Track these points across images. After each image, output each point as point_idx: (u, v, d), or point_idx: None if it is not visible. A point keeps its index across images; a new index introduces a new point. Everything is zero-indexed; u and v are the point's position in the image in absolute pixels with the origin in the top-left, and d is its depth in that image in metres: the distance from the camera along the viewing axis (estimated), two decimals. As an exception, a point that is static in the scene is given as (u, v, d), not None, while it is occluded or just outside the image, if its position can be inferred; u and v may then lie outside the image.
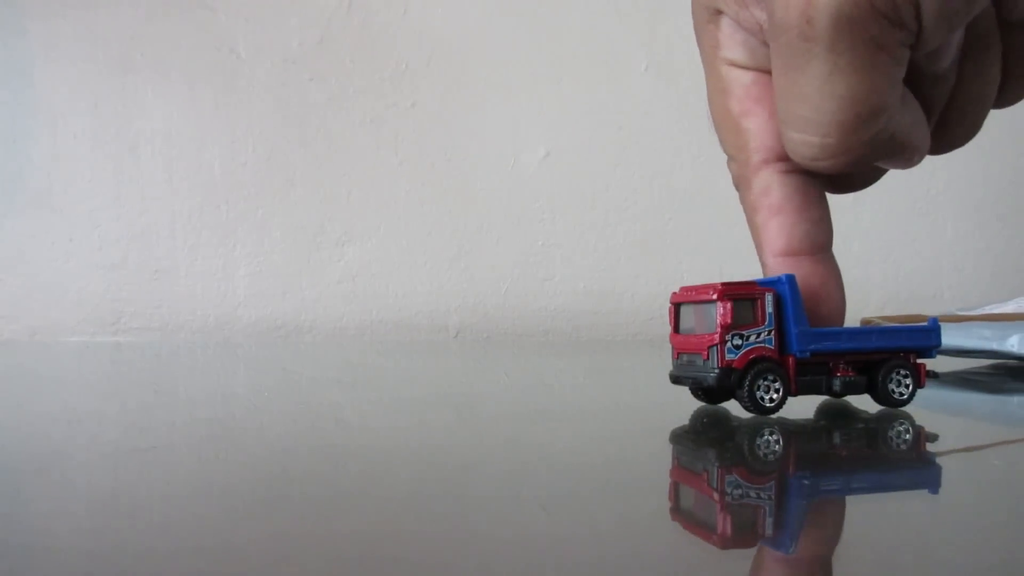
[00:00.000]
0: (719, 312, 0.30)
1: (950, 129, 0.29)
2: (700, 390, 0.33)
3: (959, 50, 0.27)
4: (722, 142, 0.31)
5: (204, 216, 0.89)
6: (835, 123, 0.25)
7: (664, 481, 0.24)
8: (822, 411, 0.33)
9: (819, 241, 0.30)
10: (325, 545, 0.17)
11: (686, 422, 0.31)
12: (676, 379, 0.33)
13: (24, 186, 0.87)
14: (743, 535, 0.18)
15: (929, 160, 1.00)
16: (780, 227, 0.30)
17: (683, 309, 0.33)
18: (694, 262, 0.90)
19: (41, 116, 0.87)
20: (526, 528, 0.18)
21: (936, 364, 0.50)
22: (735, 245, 0.93)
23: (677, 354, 0.33)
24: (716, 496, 0.22)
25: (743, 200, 0.31)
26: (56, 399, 0.43)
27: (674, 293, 0.33)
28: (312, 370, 0.59)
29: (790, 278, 0.30)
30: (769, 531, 0.19)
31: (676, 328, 0.33)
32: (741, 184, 0.31)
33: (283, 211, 0.89)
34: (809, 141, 0.26)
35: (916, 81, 0.27)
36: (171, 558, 0.16)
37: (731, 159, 0.31)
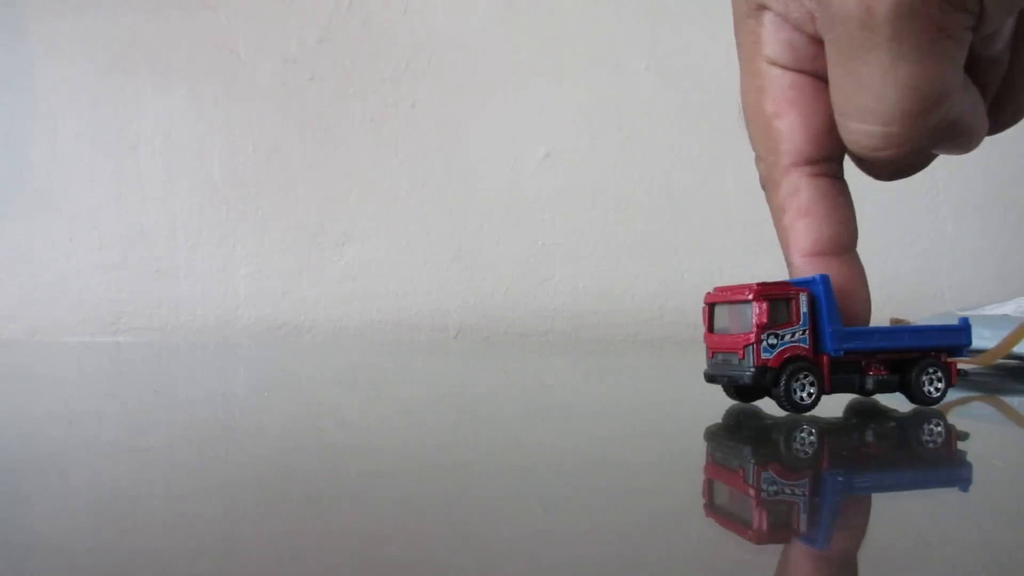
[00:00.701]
0: (755, 312, 0.31)
1: (1005, 109, 0.29)
2: (734, 389, 0.34)
3: (1012, 33, 0.27)
4: (752, 140, 0.31)
5: (204, 216, 0.89)
6: (899, 112, 0.25)
7: (690, 478, 0.24)
8: (851, 410, 0.33)
9: (845, 242, 0.31)
10: (325, 545, 0.17)
11: (689, 421, 0.31)
12: (711, 378, 0.33)
13: (24, 186, 0.87)
14: (777, 531, 0.19)
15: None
16: (808, 228, 0.30)
17: (717, 309, 0.33)
18: (694, 262, 0.90)
19: (41, 116, 0.87)
20: (528, 528, 0.18)
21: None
22: (734, 245, 0.93)
23: (712, 353, 0.33)
24: (752, 492, 0.22)
25: (770, 200, 0.31)
26: (56, 399, 0.43)
27: (708, 293, 0.34)
28: (312, 370, 0.59)
29: (824, 278, 0.30)
30: (804, 527, 0.19)
31: (710, 328, 0.33)
32: (769, 184, 0.31)
33: (283, 211, 0.89)
34: (871, 131, 0.26)
35: (973, 65, 0.27)
36: (171, 558, 0.16)
37: (759, 158, 0.31)
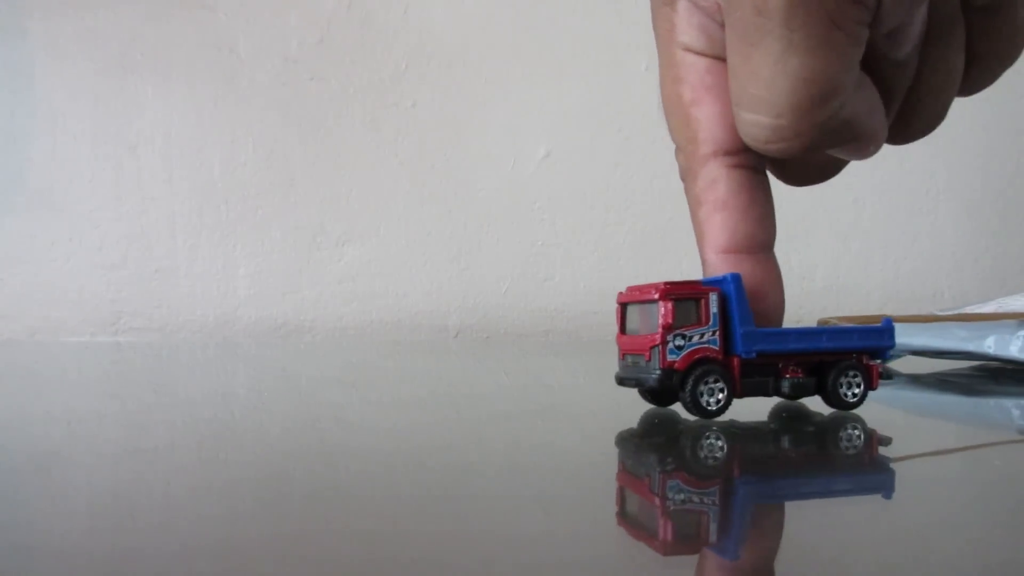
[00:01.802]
0: (660, 312, 0.30)
1: (912, 118, 0.28)
2: (647, 392, 0.32)
3: (921, 36, 0.26)
4: (671, 131, 0.30)
5: (204, 216, 0.89)
6: (788, 103, 0.24)
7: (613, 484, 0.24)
8: (775, 414, 0.32)
9: (761, 240, 0.29)
10: (325, 545, 0.17)
11: (687, 421, 0.31)
12: (621, 380, 0.32)
13: (24, 186, 0.87)
14: (687, 541, 0.18)
15: (929, 159, 1.01)
16: (723, 223, 0.29)
17: (629, 309, 0.32)
18: (694, 262, 0.90)
19: (41, 116, 0.87)
20: (526, 528, 0.18)
21: (915, 365, 0.50)
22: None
23: (623, 355, 0.32)
24: (659, 501, 0.21)
25: (688, 192, 0.30)
26: (56, 399, 0.43)
27: (620, 293, 0.32)
28: (312, 370, 0.59)
29: (736, 277, 0.29)
30: (713, 537, 0.18)
31: (622, 329, 0.32)
32: (687, 176, 0.30)
33: (283, 211, 0.89)
34: (761, 122, 0.25)
35: (876, 66, 0.26)
36: (171, 558, 0.16)
37: (679, 149, 0.30)
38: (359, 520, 0.19)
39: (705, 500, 0.21)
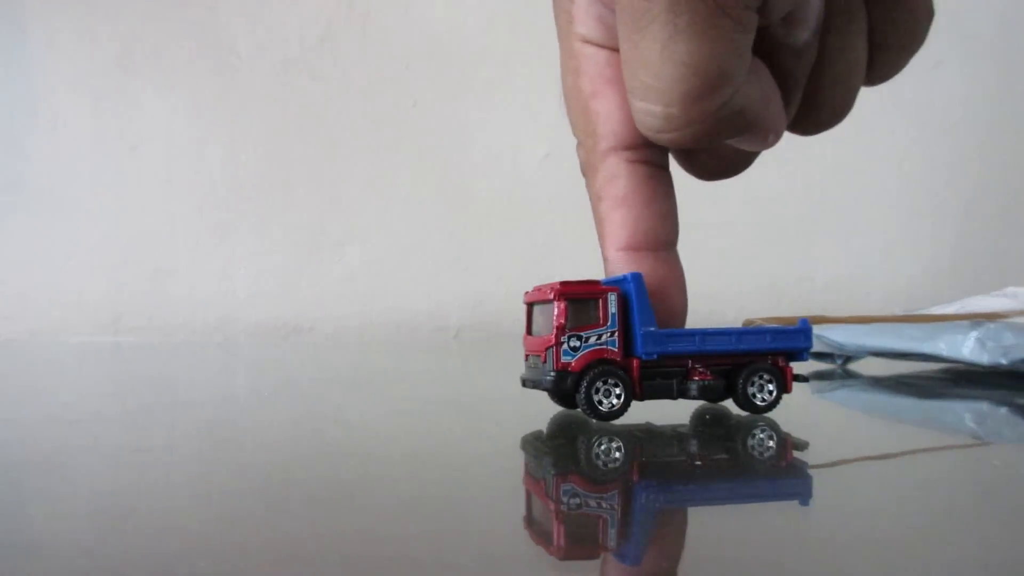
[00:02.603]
0: (555, 312, 0.29)
1: (817, 108, 0.27)
2: (551, 394, 0.31)
3: (819, 22, 0.25)
4: (572, 125, 0.29)
5: (204, 216, 0.89)
6: (677, 91, 0.23)
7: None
8: (697, 417, 0.32)
9: (663, 238, 0.29)
10: (325, 545, 0.17)
11: (684, 421, 0.31)
12: (524, 382, 0.31)
13: (24, 186, 0.87)
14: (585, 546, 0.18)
15: (929, 159, 1.00)
16: (624, 220, 0.28)
17: (535, 309, 0.31)
18: (693, 262, 0.90)
19: (41, 116, 0.87)
20: (525, 527, 0.18)
21: (879, 367, 0.49)
22: (734, 245, 0.93)
23: (527, 356, 0.31)
24: (553, 505, 0.20)
25: (588, 188, 0.29)
26: (56, 399, 0.43)
27: (527, 292, 0.31)
28: (312, 370, 0.59)
29: (636, 276, 0.28)
30: (613, 542, 0.18)
31: (529, 329, 0.32)
32: (588, 170, 0.29)
33: (283, 211, 0.89)
34: (652, 111, 0.24)
35: (772, 53, 0.25)
36: (171, 558, 0.16)
37: (579, 144, 0.29)
38: (359, 520, 0.19)
39: (604, 504, 0.20)
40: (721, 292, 0.91)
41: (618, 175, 0.28)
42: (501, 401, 0.40)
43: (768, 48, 0.25)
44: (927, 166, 0.96)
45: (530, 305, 0.31)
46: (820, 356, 0.52)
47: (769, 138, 0.26)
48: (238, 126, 0.89)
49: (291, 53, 0.89)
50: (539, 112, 0.91)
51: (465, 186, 0.91)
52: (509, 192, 0.91)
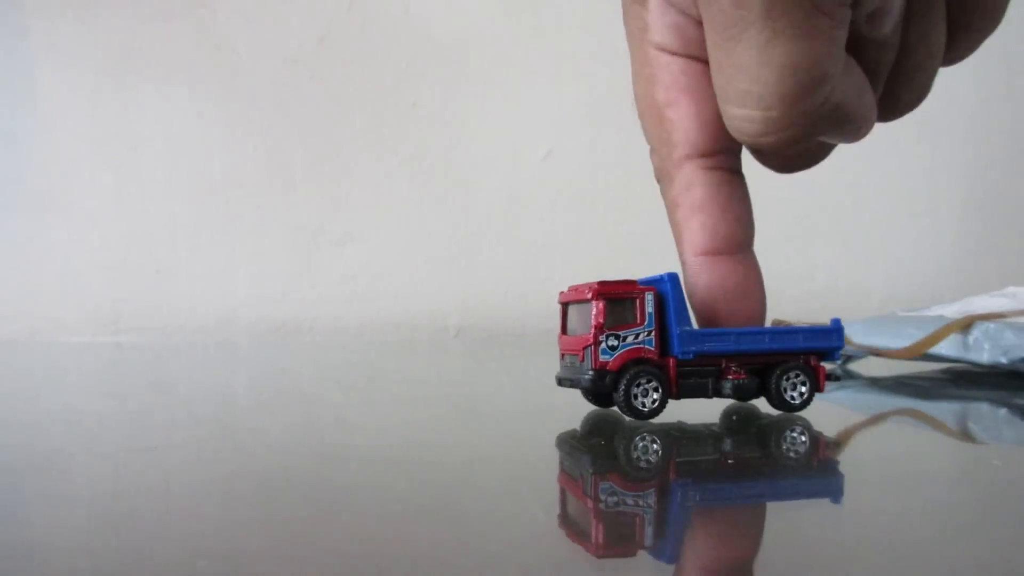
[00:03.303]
0: (593, 312, 0.29)
1: (897, 96, 0.27)
2: (586, 393, 0.31)
3: (902, 12, 0.25)
4: (645, 132, 0.30)
5: (204, 216, 0.89)
6: (777, 94, 0.23)
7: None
8: (727, 415, 0.32)
9: (740, 240, 0.29)
10: (325, 545, 0.17)
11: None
12: (560, 381, 0.31)
13: (24, 186, 0.87)
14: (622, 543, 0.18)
15: (929, 159, 1.00)
16: (702, 225, 0.29)
17: (570, 309, 0.31)
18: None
19: (41, 116, 0.87)
20: (523, 528, 0.18)
21: (879, 367, 0.49)
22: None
23: (562, 355, 0.31)
24: (591, 504, 0.20)
25: (664, 195, 0.30)
26: (56, 399, 0.43)
27: (562, 292, 0.32)
28: (312, 370, 0.59)
29: (672, 276, 0.29)
30: (649, 540, 0.18)
31: (564, 329, 0.32)
32: (663, 178, 0.29)
33: (283, 211, 0.89)
34: (751, 116, 0.24)
35: (859, 48, 0.25)
36: (171, 558, 0.16)
37: (653, 151, 0.30)
38: (358, 520, 0.19)
39: (640, 503, 0.20)
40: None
41: (694, 182, 0.29)
42: (501, 401, 0.40)
43: (855, 42, 0.25)
44: (927, 166, 0.96)
45: (565, 305, 0.32)
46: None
47: (861, 130, 0.26)
48: (238, 126, 0.89)
49: (291, 53, 0.89)
50: (539, 112, 0.91)
51: (465, 186, 0.91)
52: (509, 192, 0.91)
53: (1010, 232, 0.98)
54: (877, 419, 0.36)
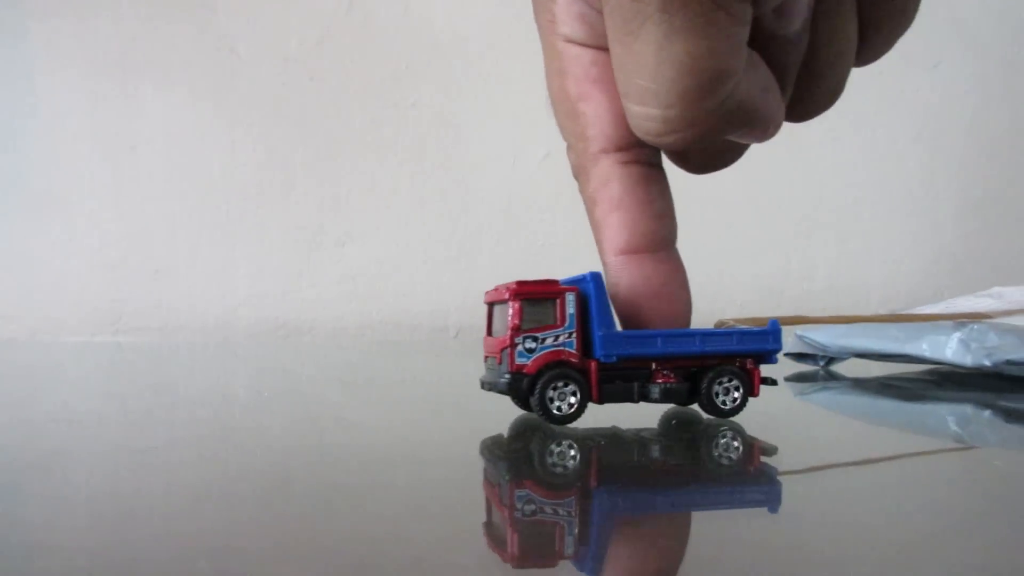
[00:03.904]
0: (509, 313, 0.28)
1: (810, 94, 0.26)
2: (513, 397, 0.30)
3: (811, 9, 0.24)
4: (560, 128, 0.29)
5: (204, 216, 0.89)
6: (676, 92, 0.22)
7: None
8: (666, 420, 0.31)
9: (662, 238, 0.28)
10: (325, 545, 0.17)
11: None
12: (482, 384, 0.30)
13: (24, 186, 0.87)
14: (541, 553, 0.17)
15: (929, 159, 1.00)
16: (621, 223, 0.28)
17: (495, 310, 0.30)
18: (694, 262, 0.90)
19: (41, 116, 0.87)
20: (522, 527, 0.18)
21: (862, 368, 0.49)
22: (734, 245, 0.93)
23: (485, 357, 0.30)
24: (508, 512, 0.20)
25: (582, 192, 0.29)
26: (56, 399, 0.43)
27: (487, 292, 0.30)
28: (312, 370, 0.59)
29: (595, 276, 0.28)
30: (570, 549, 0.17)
31: (489, 330, 0.30)
32: (580, 174, 0.28)
33: (283, 211, 0.89)
34: (651, 114, 0.23)
35: (766, 44, 0.24)
36: (171, 558, 0.16)
37: (569, 147, 0.29)
38: (359, 520, 0.19)
39: (560, 511, 0.20)
40: (721, 292, 0.91)
41: (611, 178, 0.28)
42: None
43: (761, 39, 0.24)
44: (927, 166, 0.96)
45: (490, 305, 0.30)
46: (803, 357, 0.52)
47: (769, 130, 0.25)
48: (238, 126, 0.89)
49: (291, 53, 0.89)
50: (539, 112, 0.91)
51: (465, 186, 0.91)
52: (509, 192, 0.91)
53: (1009, 232, 0.98)
54: (857, 421, 0.35)
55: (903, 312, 0.54)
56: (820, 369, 0.50)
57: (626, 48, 0.22)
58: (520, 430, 0.30)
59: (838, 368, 0.50)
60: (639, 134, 0.25)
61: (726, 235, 0.91)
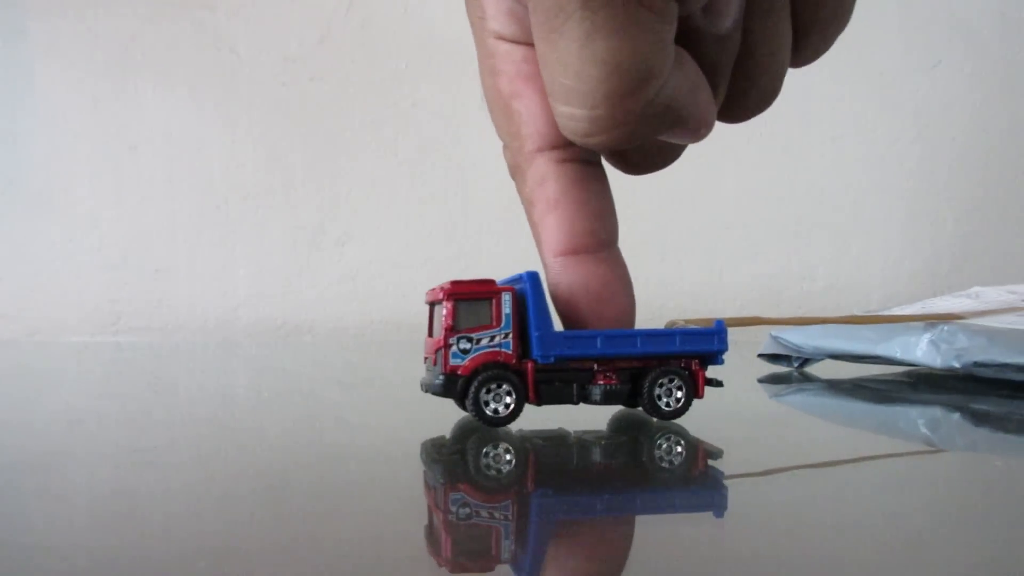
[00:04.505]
0: (444, 313, 0.28)
1: (743, 94, 0.25)
2: (452, 399, 0.30)
3: (742, 8, 0.24)
4: (496, 127, 0.28)
5: (204, 216, 0.89)
6: (601, 92, 0.22)
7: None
8: (616, 422, 0.30)
9: (602, 238, 0.27)
10: (325, 545, 0.17)
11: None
12: (422, 386, 0.30)
13: (24, 186, 0.87)
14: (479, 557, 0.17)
15: (929, 159, 1.00)
16: (558, 223, 0.27)
17: (434, 310, 0.30)
18: (694, 262, 0.90)
19: (41, 116, 0.87)
20: (520, 529, 0.18)
21: (839, 370, 0.48)
22: (734, 245, 0.93)
23: (425, 358, 0.30)
24: (442, 515, 0.20)
25: (519, 192, 0.28)
26: (56, 399, 0.43)
27: (427, 292, 0.30)
28: (312, 370, 0.59)
29: (532, 275, 0.27)
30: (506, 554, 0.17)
31: (429, 331, 0.30)
32: (516, 174, 0.28)
33: (283, 211, 0.89)
34: (577, 114, 0.23)
35: (695, 44, 0.24)
36: (171, 558, 0.16)
37: (505, 146, 0.28)
38: (359, 520, 0.19)
39: (497, 515, 0.19)
40: (721, 292, 0.91)
41: (547, 177, 0.27)
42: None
43: (691, 38, 0.24)
44: (927, 166, 0.96)
45: (430, 305, 0.30)
46: (777, 359, 0.51)
47: (700, 130, 0.25)
48: (238, 126, 0.89)
49: (291, 53, 0.89)
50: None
51: (465, 186, 0.91)
52: (509, 192, 0.91)
53: (1009, 232, 0.98)
54: (828, 422, 0.35)
55: (879, 312, 0.54)
56: (794, 370, 0.50)
57: (550, 46, 0.22)
58: (505, 430, 0.30)
59: (814, 370, 0.50)
60: (567, 134, 0.24)
61: (726, 235, 0.91)
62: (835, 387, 0.44)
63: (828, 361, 0.49)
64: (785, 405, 0.40)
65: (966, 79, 0.96)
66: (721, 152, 0.90)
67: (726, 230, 0.90)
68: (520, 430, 0.29)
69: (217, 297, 0.88)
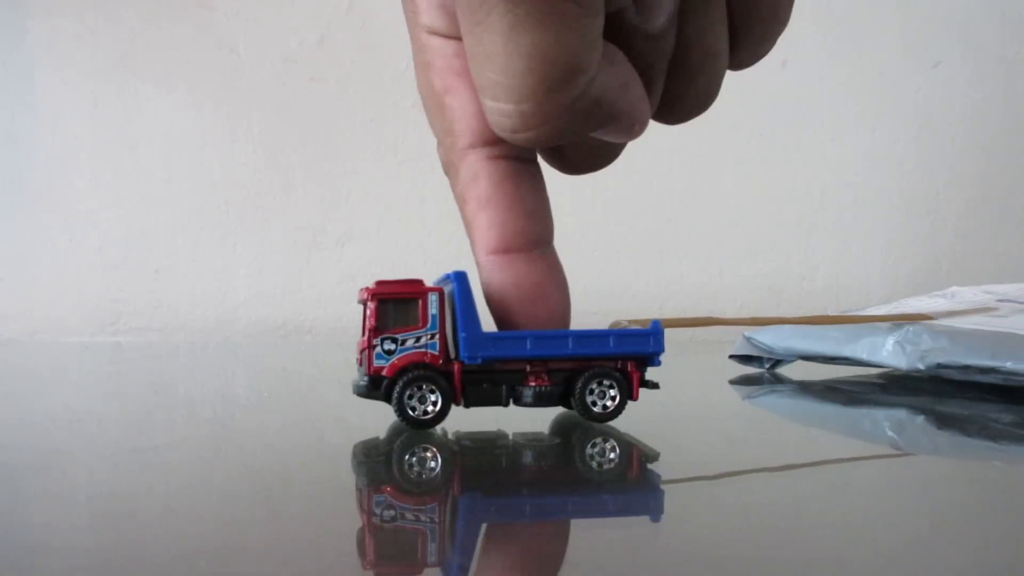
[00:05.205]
0: (368, 313, 0.27)
1: (680, 95, 0.25)
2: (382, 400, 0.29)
3: (676, 7, 0.23)
4: (429, 123, 0.28)
5: (204, 216, 0.89)
6: (527, 86, 0.21)
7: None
8: (556, 425, 0.30)
9: (535, 236, 0.27)
10: (325, 545, 0.17)
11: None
12: (353, 388, 0.30)
13: (24, 186, 0.87)
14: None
15: (929, 159, 1.01)
16: (490, 221, 0.27)
17: (366, 309, 0.29)
18: (694, 262, 0.90)
19: (41, 116, 0.87)
20: (521, 529, 0.18)
21: (812, 371, 0.47)
22: (734, 245, 0.93)
23: (357, 360, 0.30)
24: (366, 518, 0.19)
25: (453, 189, 0.28)
26: (56, 399, 0.43)
27: (359, 291, 0.30)
28: (312, 370, 0.59)
29: (459, 275, 0.27)
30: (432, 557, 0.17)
31: (363, 331, 0.30)
32: (449, 171, 0.28)
33: (283, 211, 0.89)
34: (504, 109, 0.22)
35: (627, 40, 0.23)
36: (171, 558, 0.16)
37: (438, 143, 0.28)
38: (359, 520, 0.19)
39: (422, 518, 0.19)
40: (721, 292, 0.91)
41: (479, 174, 0.27)
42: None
43: (624, 35, 0.23)
44: (927, 166, 0.96)
45: (362, 304, 0.30)
46: (749, 359, 0.51)
47: (634, 128, 0.24)
48: (238, 126, 0.89)
49: (291, 53, 0.89)
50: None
51: (465, 186, 0.91)
52: (509, 192, 0.91)
53: (1009, 232, 0.98)
54: (796, 425, 0.35)
55: (847, 313, 0.53)
56: (766, 372, 0.49)
57: (476, 40, 0.21)
58: (391, 434, 0.30)
59: (786, 371, 0.49)
60: (497, 130, 0.24)
61: (726, 235, 0.90)
62: (806, 389, 0.44)
63: (800, 362, 0.49)
64: (755, 407, 0.40)
65: (966, 79, 0.96)
66: (721, 152, 0.90)
67: (726, 230, 0.90)
68: (455, 431, 0.28)
69: (217, 297, 0.88)
